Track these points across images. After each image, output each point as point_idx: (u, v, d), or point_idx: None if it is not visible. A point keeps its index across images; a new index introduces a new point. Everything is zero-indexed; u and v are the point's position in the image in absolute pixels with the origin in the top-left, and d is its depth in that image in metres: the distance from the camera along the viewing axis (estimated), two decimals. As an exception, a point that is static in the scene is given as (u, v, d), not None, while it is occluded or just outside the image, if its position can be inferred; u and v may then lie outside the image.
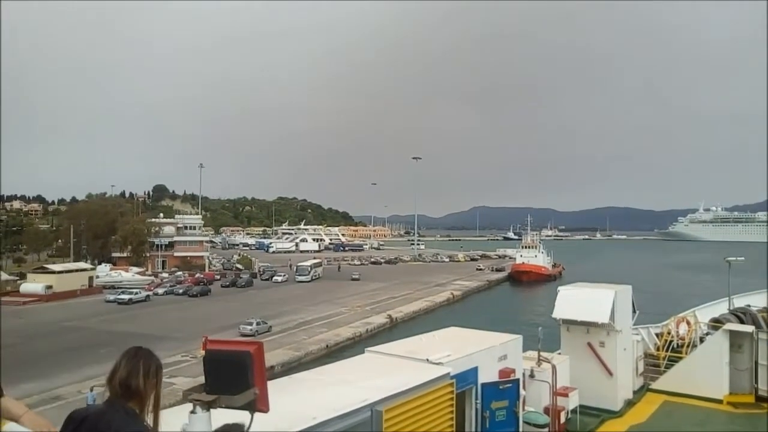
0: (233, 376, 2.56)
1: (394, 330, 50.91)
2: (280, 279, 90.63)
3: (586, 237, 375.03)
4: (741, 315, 17.60)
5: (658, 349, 18.38)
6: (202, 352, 2.78)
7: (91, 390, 28.33)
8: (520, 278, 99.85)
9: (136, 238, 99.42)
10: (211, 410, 2.63)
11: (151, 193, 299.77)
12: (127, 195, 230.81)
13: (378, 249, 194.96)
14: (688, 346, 18.03)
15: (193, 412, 2.51)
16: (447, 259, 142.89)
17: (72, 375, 33.89)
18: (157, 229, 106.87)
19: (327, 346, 43.64)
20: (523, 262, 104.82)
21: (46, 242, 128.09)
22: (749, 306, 20.15)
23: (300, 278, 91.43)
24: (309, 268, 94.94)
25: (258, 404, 2.58)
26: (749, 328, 15.87)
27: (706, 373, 15.45)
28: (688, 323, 19.00)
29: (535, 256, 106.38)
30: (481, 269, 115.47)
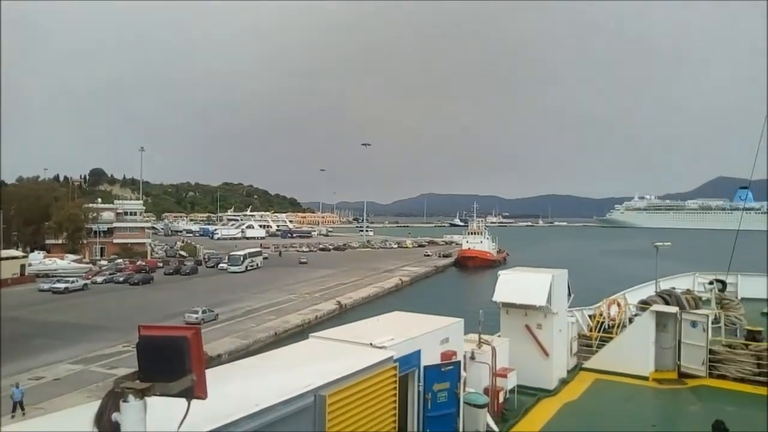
0: (169, 363, 2.40)
1: (343, 316, 50.43)
2: (226, 266, 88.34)
3: (530, 224, 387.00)
4: (666, 297, 18.95)
5: (591, 330, 19.31)
6: None
7: (17, 386, 26.57)
8: (467, 264, 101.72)
9: (72, 225, 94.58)
10: (146, 398, 2.48)
11: (87, 177, 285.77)
12: (61, 179, 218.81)
13: (326, 235, 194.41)
14: (618, 326, 18.97)
15: (125, 400, 2.31)
16: (395, 246, 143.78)
17: (3, 368, 31.44)
18: (94, 214, 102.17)
19: (276, 333, 42.86)
20: (469, 248, 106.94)
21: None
22: (674, 288, 22.09)
23: (232, 269, 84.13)
24: (241, 258, 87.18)
25: (196, 390, 2.48)
26: (674, 309, 17.00)
27: (634, 352, 16.37)
28: (619, 305, 20.04)
29: (481, 242, 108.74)
30: (428, 255, 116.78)
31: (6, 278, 66.34)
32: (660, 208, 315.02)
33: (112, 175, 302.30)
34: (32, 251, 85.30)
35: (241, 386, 6.50)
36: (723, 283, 24.61)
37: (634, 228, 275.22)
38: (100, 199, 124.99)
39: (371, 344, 8.69)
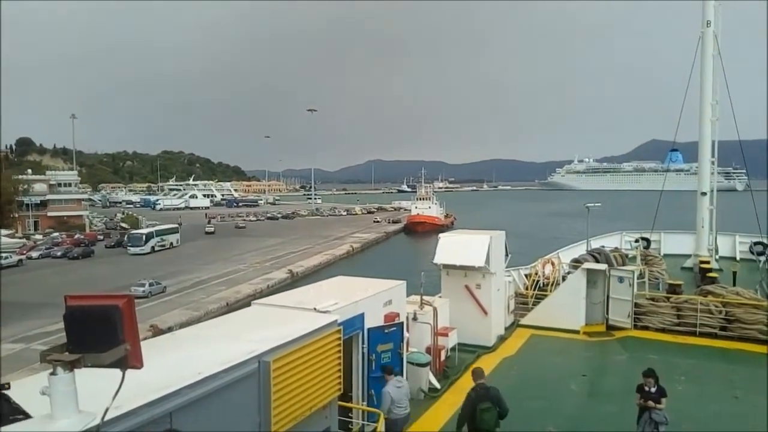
0: (100, 333, 2.36)
1: (296, 284, 49.74)
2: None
3: (474, 188, 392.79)
4: (596, 255, 19.99)
5: (527, 289, 20.41)
6: None
7: None
8: (416, 229, 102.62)
9: (1, 198, 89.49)
10: (76, 370, 2.45)
11: (14, 147, 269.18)
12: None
13: (274, 204, 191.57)
14: (552, 284, 20.04)
15: (53, 373, 2.31)
16: (344, 213, 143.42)
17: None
18: (25, 186, 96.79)
19: (227, 304, 42.40)
20: (418, 214, 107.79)
21: None
22: (604, 247, 23.39)
23: (133, 250, 70.20)
24: (143, 237, 72.79)
25: (130, 360, 2.41)
26: (603, 266, 17.95)
27: (566, 308, 17.32)
28: (553, 264, 21.08)
29: (429, 207, 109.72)
30: (378, 222, 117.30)
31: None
32: (598, 170, 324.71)
33: (41, 145, 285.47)
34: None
35: (183, 356, 6.44)
36: (648, 240, 26.26)
37: (573, 191, 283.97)
38: (30, 170, 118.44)
39: (315, 309, 8.84)
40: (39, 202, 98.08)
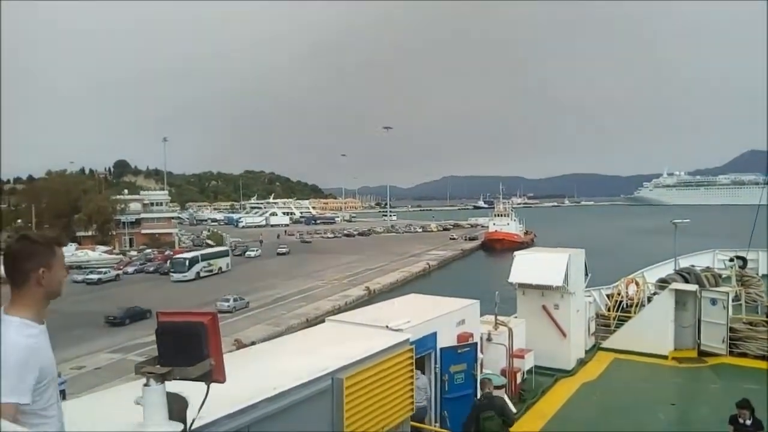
0: (187, 348, 2.49)
1: (372, 302, 50.53)
2: (253, 254, 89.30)
3: (555, 204, 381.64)
4: (686, 275, 18.78)
5: (608, 310, 19.38)
6: None
7: (59, 375, 27.45)
8: (494, 246, 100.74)
9: (101, 217, 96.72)
10: (166, 382, 2.58)
11: (112, 169, 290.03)
12: (87, 171, 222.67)
13: (350, 221, 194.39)
14: (636, 305, 19.02)
15: (146, 384, 2.45)
16: (420, 230, 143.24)
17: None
18: (122, 206, 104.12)
19: (307, 320, 43.26)
20: (496, 230, 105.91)
21: (5, 223, 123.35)
22: (693, 266, 21.80)
23: (176, 277, 64.66)
24: (186, 262, 66.49)
25: (214, 375, 2.51)
26: (693, 287, 16.84)
27: (653, 331, 16.31)
28: (637, 284, 20.06)
29: (508, 224, 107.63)
30: (454, 239, 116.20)
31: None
32: (690, 184, 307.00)
33: (135, 167, 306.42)
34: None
35: (259, 370, 6.54)
36: (744, 259, 24.35)
37: (663, 206, 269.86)
38: (126, 191, 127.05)
39: (387, 327, 8.79)
40: (134, 220, 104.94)
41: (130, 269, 73.47)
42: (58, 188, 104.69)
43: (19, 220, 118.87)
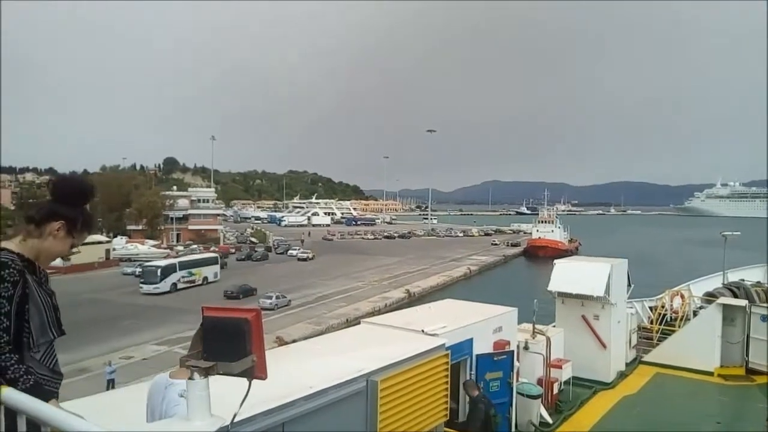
0: (231, 343, 2.52)
1: (412, 305, 50.29)
2: (295, 253, 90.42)
3: (600, 212, 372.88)
4: (735, 289, 18.19)
5: (651, 323, 18.83)
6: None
7: (109, 364, 28.56)
8: (537, 253, 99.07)
9: (150, 212, 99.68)
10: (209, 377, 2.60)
11: (161, 165, 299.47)
12: (138, 168, 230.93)
13: (390, 223, 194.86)
14: (681, 319, 18.41)
15: (191, 378, 2.45)
16: (461, 234, 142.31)
17: (96, 347, 34.09)
18: (171, 202, 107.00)
19: (347, 320, 43.48)
20: (540, 237, 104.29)
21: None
22: (743, 280, 21.02)
23: (146, 288, 53.35)
24: (158, 271, 54.91)
25: (256, 371, 2.54)
26: (742, 302, 16.27)
27: (699, 346, 15.84)
28: (682, 297, 19.44)
29: (552, 231, 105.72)
30: (496, 244, 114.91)
31: (92, 262, 71.11)
32: (745, 195, 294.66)
33: (183, 164, 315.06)
34: (115, 237, 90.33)
35: (295, 369, 6.58)
36: None
37: (715, 217, 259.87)
38: (175, 187, 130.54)
39: (423, 331, 8.77)
40: (182, 216, 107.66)
41: (176, 264, 75.26)
42: (111, 183, 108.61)
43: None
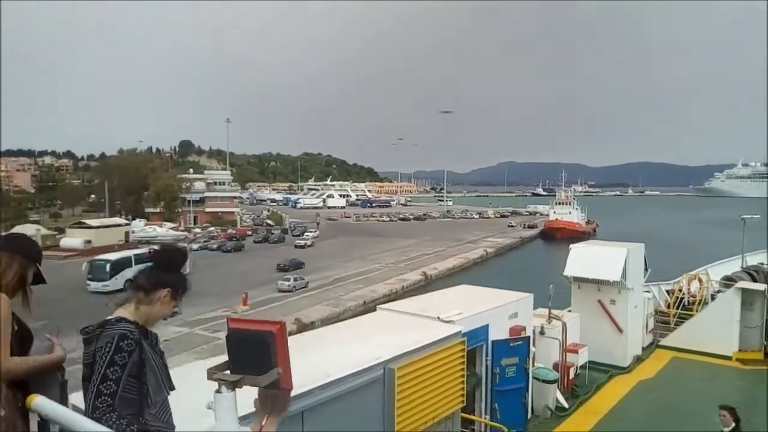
0: (256, 356, 2.53)
1: (429, 287, 50.53)
2: (311, 235, 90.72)
3: (617, 193, 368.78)
4: (753, 273, 18.08)
5: (668, 306, 18.72)
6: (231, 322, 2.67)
7: None
8: (554, 235, 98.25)
9: (168, 194, 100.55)
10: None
11: (177, 148, 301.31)
12: (154, 150, 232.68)
13: (405, 205, 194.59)
14: (699, 303, 18.31)
15: (218, 391, 2.50)
16: (476, 216, 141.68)
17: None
18: (188, 184, 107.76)
19: (365, 302, 43.73)
20: (557, 219, 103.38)
21: (79, 197, 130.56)
22: (762, 264, 20.77)
23: (94, 286, 46.79)
24: (107, 267, 48.02)
25: (282, 383, 2.58)
26: (761, 286, 16.11)
27: (717, 330, 15.69)
28: (700, 281, 19.26)
29: (569, 212, 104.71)
30: (512, 226, 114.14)
31: (112, 244, 72.03)
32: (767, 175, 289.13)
33: (199, 147, 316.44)
34: (134, 219, 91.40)
35: (313, 357, 6.64)
36: None
37: (736, 198, 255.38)
38: (191, 170, 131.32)
39: (439, 318, 8.85)
40: (198, 198, 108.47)
41: (194, 246, 76.09)
42: (128, 166, 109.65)
43: (93, 196, 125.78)
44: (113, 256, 51.06)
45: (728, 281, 17.76)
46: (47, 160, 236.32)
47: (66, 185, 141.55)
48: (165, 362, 2.90)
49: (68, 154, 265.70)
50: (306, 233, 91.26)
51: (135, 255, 50.29)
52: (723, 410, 8.73)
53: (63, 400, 2.83)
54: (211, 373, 2.59)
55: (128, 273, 45.96)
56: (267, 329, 2.56)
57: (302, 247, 76.71)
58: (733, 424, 8.60)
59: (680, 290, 19.29)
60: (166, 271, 2.97)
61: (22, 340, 2.81)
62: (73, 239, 69.92)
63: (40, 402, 2.17)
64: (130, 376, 2.66)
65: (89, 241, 69.07)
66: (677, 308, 18.43)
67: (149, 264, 3.01)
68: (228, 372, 2.57)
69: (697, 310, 17.66)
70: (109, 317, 2.83)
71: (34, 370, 2.75)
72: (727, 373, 14.91)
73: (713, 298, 18.15)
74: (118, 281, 45.89)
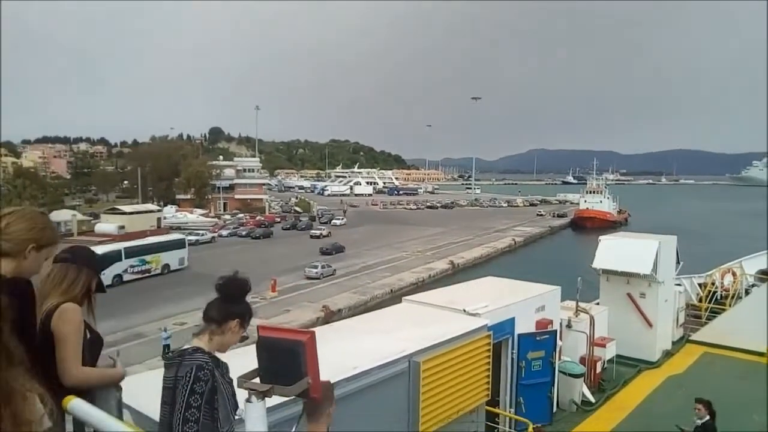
0: (286, 366, 2.58)
1: (456, 276, 50.32)
2: (338, 222, 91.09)
3: (650, 182, 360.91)
4: None
5: (700, 300, 18.26)
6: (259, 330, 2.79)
7: (164, 329, 29.73)
8: (584, 224, 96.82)
9: (198, 181, 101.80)
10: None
11: (207, 135, 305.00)
12: (185, 137, 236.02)
13: (432, 193, 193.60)
14: (732, 297, 17.83)
15: (248, 400, 2.55)
16: (505, 204, 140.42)
17: (149, 314, 35.52)
18: (218, 171, 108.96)
19: (391, 290, 43.85)
20: (587, 208, 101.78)
21: (113, 183, 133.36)
22: None
23: None
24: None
25: (311, 392, 2.61)
26: None
27: (750, 326, 15.20)
28: (734, 274, 18.81)
29: (600, 201, 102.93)
30: (541, 215, 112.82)
31: (145, 230, 73.41)
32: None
33: (228, 134, 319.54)
34: (165, 205, 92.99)
35: (339, 349, 6.68)
36: None
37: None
38: (221, 157, 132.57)
39: (464, 311, 8.83)
40: (228, 185, 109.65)
41: (224, 232, 77.16)
42: (160, 153, 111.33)
43: (126, 182, 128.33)
44: (100, 248, 41.69)
45: (763, 275, 17.38)
46: (82, 146, 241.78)
47: (100, 171, 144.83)
48: (234, 389, 3.06)
49: (102, 141, 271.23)
50: (333, 221, 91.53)
51: (126, 248, 46.84)
52: (699, 403, 8.59)
53: (119, 414, 3.03)
54: (242, 382, 2.66)
55: (118, 267, 43.31)
56: (297, 338, 2.61)
57: (318, 237, 72.87)
58: (707, 417, 8.44)
59: (713, 284, 18.86)
60: (232, 302, 3.16)
61: (92, 345, 3.08)
62: (107, 225, 71.41)
63: (75, 404, 2.26)
64: (206, 404, 2.89)
65: (123, 227, 70.49)
66: (709, 302, 18.04)
67: (216, 297, 3.19)
68: (258, 380, 2.64)
69: (730, 305, 17.29)
70: (186, 346, 3.09)
71: (101, 383, 2.99)
72: (759, 370, 14.47)
73: (747, 292, 17.78)
74: (105, 277, 40.00)
